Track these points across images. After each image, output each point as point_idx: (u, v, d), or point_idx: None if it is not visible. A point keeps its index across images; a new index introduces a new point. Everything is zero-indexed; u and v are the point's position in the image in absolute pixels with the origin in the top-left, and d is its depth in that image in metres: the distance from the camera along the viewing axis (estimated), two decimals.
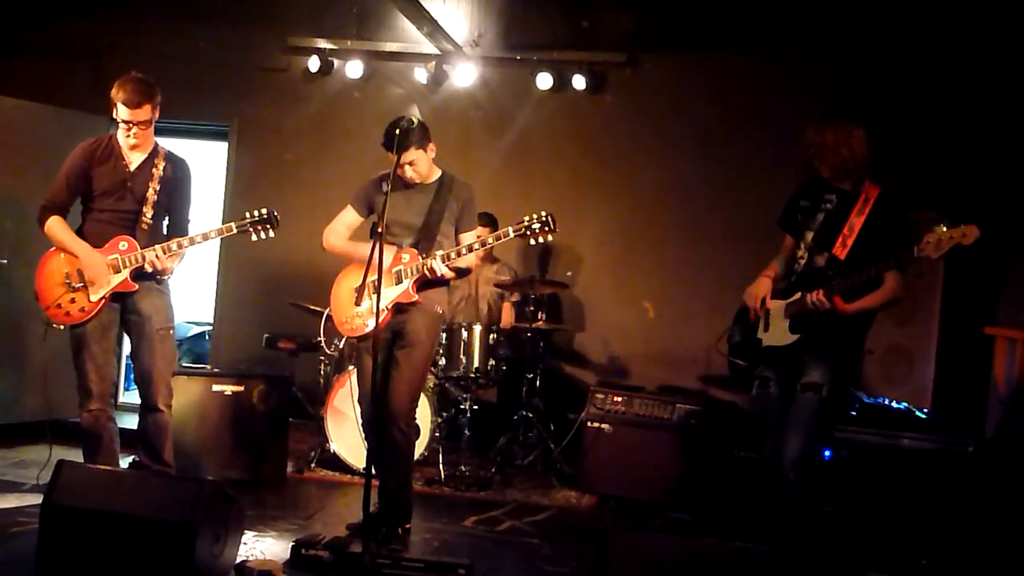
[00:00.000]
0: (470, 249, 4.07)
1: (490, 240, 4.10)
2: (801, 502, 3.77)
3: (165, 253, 4.19)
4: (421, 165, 4.12)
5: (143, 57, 6.68)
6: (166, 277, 4.32)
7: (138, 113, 4.21)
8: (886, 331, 5.81)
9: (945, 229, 3.44)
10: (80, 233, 4.31)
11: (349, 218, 4.30)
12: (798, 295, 3.86)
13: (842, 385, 3.87)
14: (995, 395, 5.13)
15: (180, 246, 4.22)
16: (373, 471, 4.02)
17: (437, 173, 4.24)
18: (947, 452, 4.36)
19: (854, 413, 4.58)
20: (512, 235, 3.97)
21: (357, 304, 3.95)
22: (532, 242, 3.99)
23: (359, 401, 4.34)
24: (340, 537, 3.97)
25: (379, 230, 3.72)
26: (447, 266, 4.04)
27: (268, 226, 4.27)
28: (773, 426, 3.98)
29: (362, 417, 4.38)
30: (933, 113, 5.98)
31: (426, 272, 4.02)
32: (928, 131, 5.98)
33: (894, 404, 4.80)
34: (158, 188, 4.32)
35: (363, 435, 4.59)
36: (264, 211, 4.26)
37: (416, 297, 4.08)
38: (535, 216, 3.93)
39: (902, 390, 5.45)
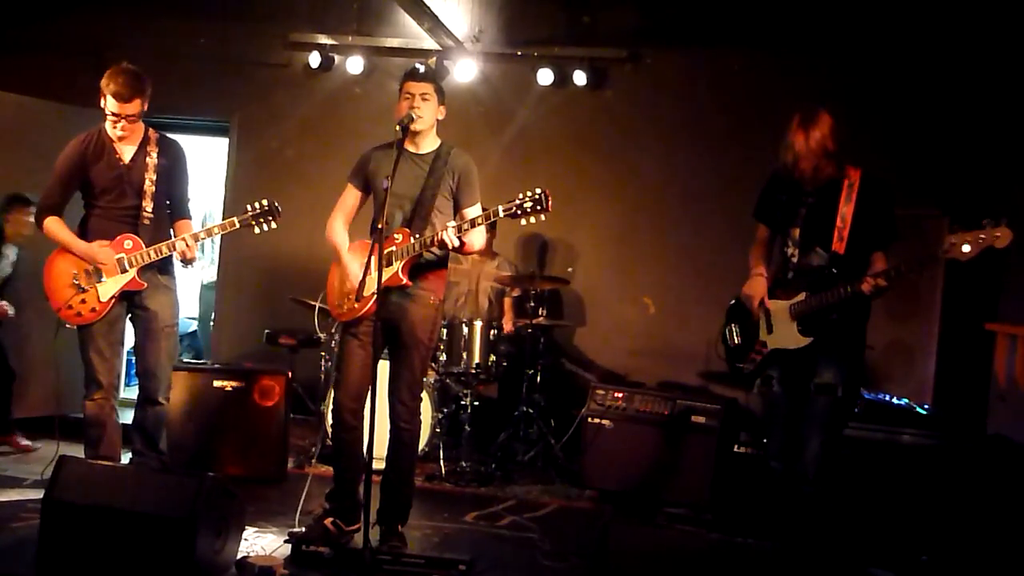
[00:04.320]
0: (473, 224, 3.86)
1: (479, 219, 3.87)
2: (817, 501, 3.79)
3: (195, 241, 4.25)
4: (428, 109, 3.94)
5: (144, 52, 6.64)
6: (191, 266, 4.40)
7: (128, 107, 4.16)
8: (887, 327, 5.81)
9: (975, 231, 3.40)
10: (84, 230, 4.31)
11: (349, 200, 4.17)
12: (802, 295, 3.84)
13: (854, 383, 3.89)
14: (996, 391, 5.13)
15: (197, 238, 4.24)
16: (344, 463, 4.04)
17: (436, 143, 4.07)
18: (948, 448, 4.36)
19: (856, 409, 4.58)
20: (502, 214, 3.75)
21: (357, 300, 3.91)
22: (523, 222, 3.74)
23: (335, 387, 4.10)
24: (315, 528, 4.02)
25: (379, 226, 3.70)
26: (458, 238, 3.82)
27: (270, 217, 4.26)
28: (779, 425, 3.98)
29: (335, 405, 4.05)
30: (934, 110, 5.96)
31: (435, 244, 3.82)
32: (929, 128, 5.97)
33: (895, 400, 4.80)
34: (155, 178, 4.29)
35: (331, 427, 4.30)
36: (265, 203, 4.25)
37: (405, 280, 3.91)
38: (527, 194, 3.70)
39: (903, 386, 5.46)
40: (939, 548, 4.20)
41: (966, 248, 3.42)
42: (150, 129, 4.37)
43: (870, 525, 4.31)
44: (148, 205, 4.26)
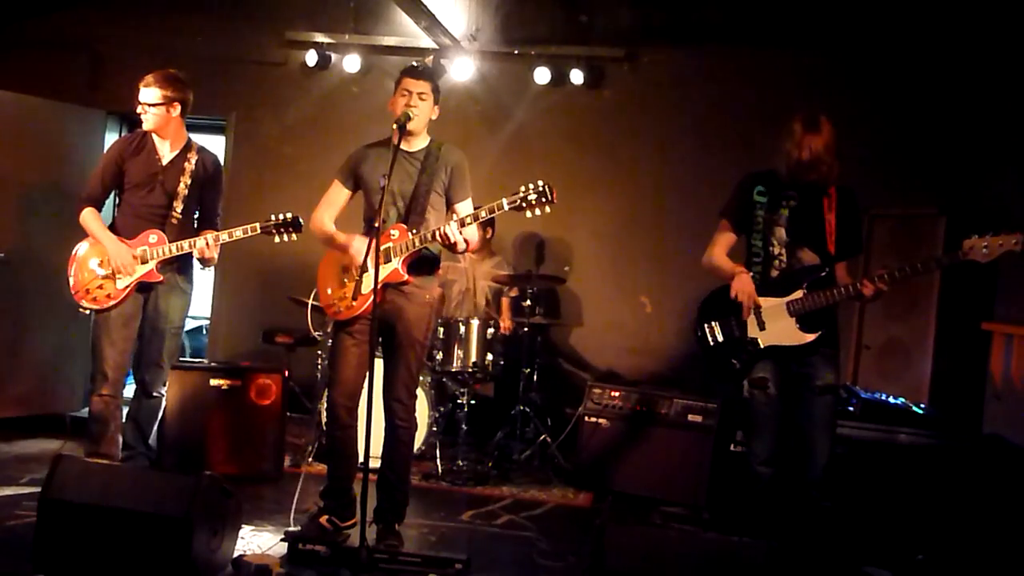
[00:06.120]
0: (476, 219, 3.84)
1: (483, 213, 3.83)
2: (821, 502, 3.82)
3: (216, 242, 4.36)
4: (424, 108, 3.94)
5: (140, 51, 6.68)
6: (210, 266, 4.52)
7: (145, 93, 4.38)
8: (884, 326, 5.82)
9: (993, 236, 3.51)
10: (112, 225, 4.47)
11: (336, 197, 4.12)
12: (800, 293, 3.85)
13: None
14: (992, 391, 5.14)
15: (218, 239, 4.37)
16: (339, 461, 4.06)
17: (426, 140, 4.05)
18: (944, 447, 4.37)
19: (852, 408, 4.59)
20: (507, 207, 3.72)
21: (354, 299, 3.90)
22: (528, 215, 3.70)
23: (329, 387, 4.09)
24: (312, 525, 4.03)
25: (376, 224, 3.69)
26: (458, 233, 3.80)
27: (292, 230, 4.38)
28: (771, 430, 3.97)
29: (329, 403, 4.04)
30: (932, 109, 5.97)
31: (436, 240, 3.81)
32: (927, 127, 5.98)
33: (891, 399, 4.80)
34: (189, 183, 4.47)
35: (324, 425, 4.31)
36: (289, 215, 4.37)
37: (406, 277, 3.90)
38: (531, 186, 3.68)
39: (899, 385, 5.46)
40: (935, 547, 4.20)
41: (985, 251, 3.52)
42: (192, 140, 4.57)
43: (866, 524, 4.32)
44: (178, 206, 4.44)
